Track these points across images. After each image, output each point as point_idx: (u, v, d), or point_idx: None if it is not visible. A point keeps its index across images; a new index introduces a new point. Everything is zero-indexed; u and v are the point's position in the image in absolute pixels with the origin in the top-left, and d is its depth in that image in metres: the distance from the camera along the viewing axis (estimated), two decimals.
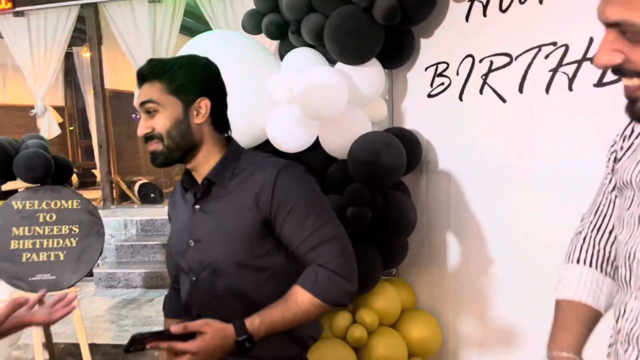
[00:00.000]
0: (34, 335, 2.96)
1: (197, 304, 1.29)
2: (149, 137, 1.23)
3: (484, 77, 2.05)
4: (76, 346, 3.63)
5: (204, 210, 1.28)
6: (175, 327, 1.07)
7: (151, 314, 4.11)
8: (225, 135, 1.33)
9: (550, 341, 1.04)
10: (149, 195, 6.13)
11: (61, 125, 6.98)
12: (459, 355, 2.24)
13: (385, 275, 2.37)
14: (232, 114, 1.35)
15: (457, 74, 2.13)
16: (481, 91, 2.06)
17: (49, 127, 6.15)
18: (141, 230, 5.45)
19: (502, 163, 2.04)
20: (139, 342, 1.02)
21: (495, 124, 2.06)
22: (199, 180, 1.29)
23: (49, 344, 3.30)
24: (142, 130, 1.23)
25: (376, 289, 2.10)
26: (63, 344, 3.61)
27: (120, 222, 5.46)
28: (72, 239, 2.97)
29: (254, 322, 1.16)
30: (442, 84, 2.19)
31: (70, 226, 2.97)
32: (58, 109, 7.29)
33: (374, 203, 1.95)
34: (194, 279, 1.29)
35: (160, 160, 1.24)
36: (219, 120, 1.29)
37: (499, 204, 2.07)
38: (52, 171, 2.99)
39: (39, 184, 2.96)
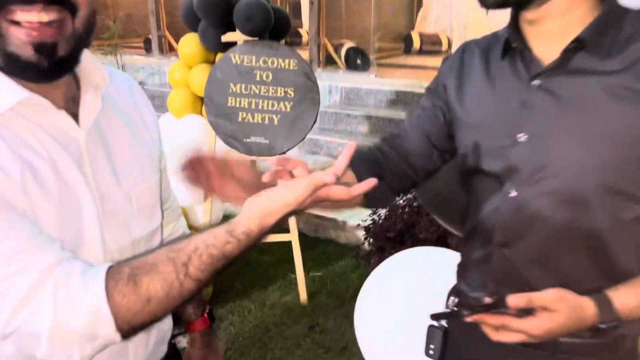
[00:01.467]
0: None
1: (506, 228, 0.85)
2: None
3: None
4: None
5: (550, 90, 0.79)
6: (516, 299, 0.69)
7: None
8: None
9: None
10: (355, 60, 5.76)
11: None
12: None
13: None
14: None
15: None
16: None
17: None
18: (345, 98, 5.20)
19: None
20: (458, 314, 0.67)
21: None
22: (539, 40, 0.81)
23: None
24: None
25: None
26: None
27: (325, 87, 5.24)
28: (286, 103, 2.73)
29: (628, 303, 0.73)
30: None
31: (286, 89, 2.72)
32: None
33: None
34: (513, 193, 0.83)
35: None
36: None
37: None
38: (272, 23, 2.69)
39: (257, 38, 2.71)
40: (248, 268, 3.10)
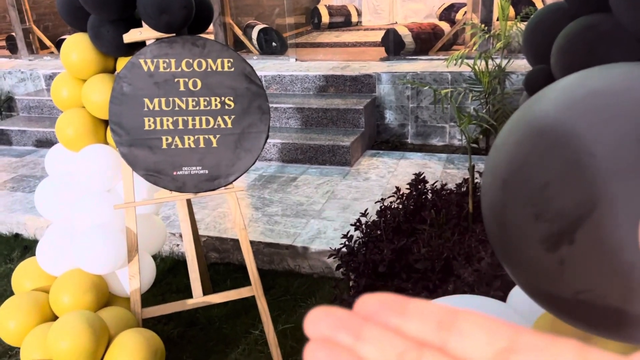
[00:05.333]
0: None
1: None
2: None
3: None
4: (221, 240, 2.96)
5: None
6: None
7: (300, 200, 3.33)
8: None
9: None
10: (270, 43, 5.07)
11: None
12: None
13: None
14: None
15: None
16: None
17: None
18: (266, 89, 4.53)
19: None
20: None
21: None
22: None
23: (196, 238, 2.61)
24: None
25: None
26: (205, 236, 2.93)
27: None
28: (225, 117, 2.05)
29: None
30: None
31: (222, 98, 2.04)
32: None
33: None
34: None
35: None
36: None
37: None
38: (193, 13, 1.98)
39: (174, 34, 1.99)
40: (195, 331, 2.41)
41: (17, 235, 3.39)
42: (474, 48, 4.04)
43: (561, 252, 0.80)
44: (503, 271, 1.96)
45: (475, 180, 2.44)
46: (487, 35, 3.77)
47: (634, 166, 0.70)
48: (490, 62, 3.68)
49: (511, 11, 4.95)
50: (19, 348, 2.02)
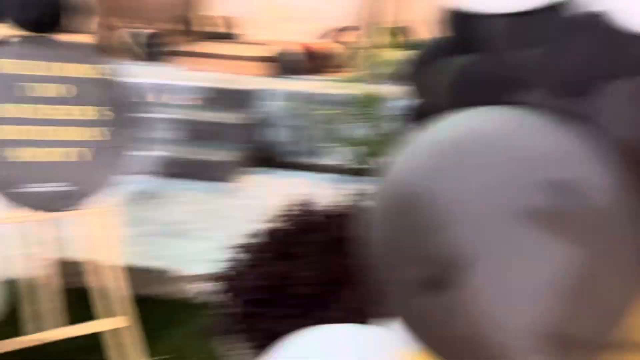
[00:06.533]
0: None
1: None
2: None
3: None
4: (82, 264, 2.67)
5: None
6: None
7: (178, 218, 3.14)
8: None
9: None
10: (152, 50, 4.79)
11: None
12: None
13: None
14: None
15: None
16: None
17: None
18: (144, 98, 4.27)
19: None
20: None
21: None
22: None
23: None
24: None
25: None
26: (65, 259, 2.63)
27: None
28: (96, 129, 1.87)
29: None
30: None
31: (92, 108, 1.85)
32: None
33: None
34: None
35: None
36: None
37: None
38: (58, 11, 1.77)
39: (37, 33, 1.77)
40: None
41: None
42: (360, 72, 4.17)
43: None
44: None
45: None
46: (372, 61, 3.91)
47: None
48: (374, 86, 3.80)
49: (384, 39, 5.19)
50: None
